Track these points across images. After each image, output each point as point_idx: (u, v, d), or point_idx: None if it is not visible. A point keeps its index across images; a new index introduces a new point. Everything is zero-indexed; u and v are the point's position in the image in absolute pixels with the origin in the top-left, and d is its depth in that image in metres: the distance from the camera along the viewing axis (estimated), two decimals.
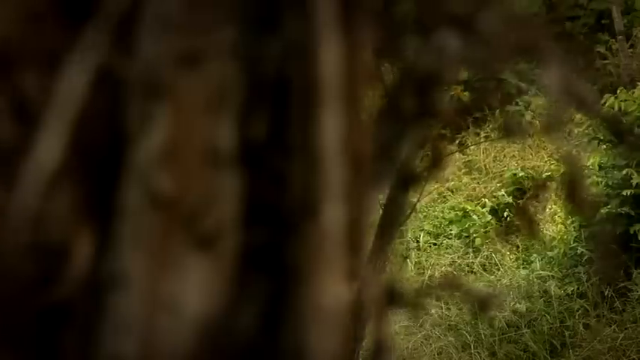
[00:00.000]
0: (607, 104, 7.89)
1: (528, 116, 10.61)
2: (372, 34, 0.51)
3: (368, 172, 0.50)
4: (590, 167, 8.06)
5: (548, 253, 8.15)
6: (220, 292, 0.56)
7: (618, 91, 8.00)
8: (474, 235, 9.12)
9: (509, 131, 0.70)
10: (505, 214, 9.34)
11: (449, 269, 8.71)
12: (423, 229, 9.57)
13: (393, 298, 0.64)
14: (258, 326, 0.56)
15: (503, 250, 8.78)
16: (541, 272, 7.85)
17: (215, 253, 0.56)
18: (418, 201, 3.48)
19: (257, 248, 0.57)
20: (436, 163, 0.66)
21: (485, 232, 9.15)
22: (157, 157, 0.55)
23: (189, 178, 0.56)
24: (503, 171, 10.26)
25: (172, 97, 0.56)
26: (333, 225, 0.48)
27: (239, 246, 0.57)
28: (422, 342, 7.41)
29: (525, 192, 9.62)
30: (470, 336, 7.48)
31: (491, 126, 10.88)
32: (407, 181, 0.68)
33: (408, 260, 9.02)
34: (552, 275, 7.80)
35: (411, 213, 3.33)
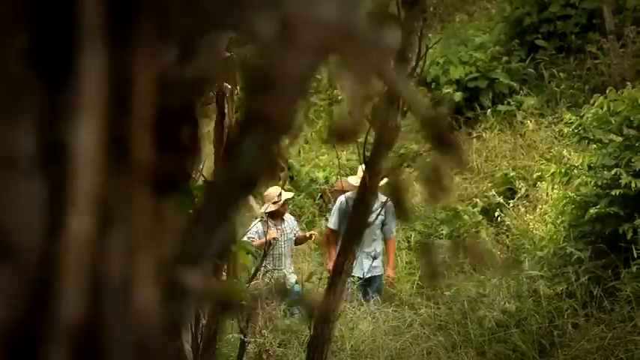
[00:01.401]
0: (596, 104, 7.87)
1: (520, 116, 10.61)
2: (156, 44, 0.50)
3: (144, 180, 0.49)
4: (580, 167, 8.05)
5: (537, 252, 8.14)
6: (20, 300, 0.55)
7: (607, 91, 7.98)
8: (465, 235, 9.13)
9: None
10: (496, 214, 9.33)
11: (440, 269, 8.70)
12: (414, 229, 9.57)
13: (226, 305, 0.64)
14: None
15: (493, 250, 8.77)
16: (530, 272, 7.84)
17: (15, 262, 0.55)
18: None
19: None
20: (270, 167, 0.65)
21: (476, 232, 9.15)
22: None
23: None
24: (494, 171, 10.25)
25: None
26: (75, 237, 0.47)
27: (46, 252, 0.56)
28: (411, 342, 7.39)
29: (516, 192, 9.62)
30: (459, 336, 7.46)
31: (482, 126, 10.88)
32: (245, 185, 0.67)
33: (399, 260, 9.01)
34: (541, 275, 7.79)
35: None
